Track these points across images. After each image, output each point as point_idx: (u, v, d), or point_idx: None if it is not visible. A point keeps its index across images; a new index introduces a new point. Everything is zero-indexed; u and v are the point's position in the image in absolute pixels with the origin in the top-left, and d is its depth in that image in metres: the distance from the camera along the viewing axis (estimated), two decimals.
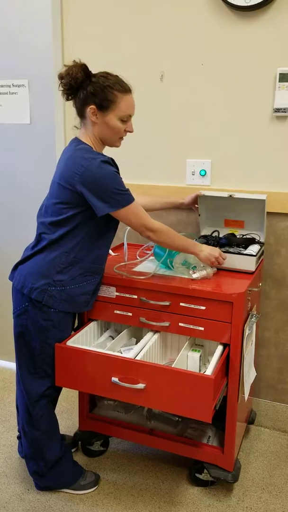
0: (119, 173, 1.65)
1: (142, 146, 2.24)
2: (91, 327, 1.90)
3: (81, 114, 1.68)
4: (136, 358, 1.64)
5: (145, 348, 1.72)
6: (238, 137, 2.08)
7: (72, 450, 2.13)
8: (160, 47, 2.13)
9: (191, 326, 1.75)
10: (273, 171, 2.06)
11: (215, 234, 2.02)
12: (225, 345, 1.74)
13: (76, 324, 1.90)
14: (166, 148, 2.21)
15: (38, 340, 1.71)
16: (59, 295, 1.68)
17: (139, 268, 1.91)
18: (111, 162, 1.64)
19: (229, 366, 1.74)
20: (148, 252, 2.09)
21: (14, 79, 2.43)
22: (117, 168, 1.70)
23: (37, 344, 1.72)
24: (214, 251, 1.79)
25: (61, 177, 1.63)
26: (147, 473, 2.02)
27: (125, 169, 2.28)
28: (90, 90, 1.61)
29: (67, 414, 2.40)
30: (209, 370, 1.59)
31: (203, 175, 2.16)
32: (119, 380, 1.60)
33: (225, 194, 1.96)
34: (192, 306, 1.73)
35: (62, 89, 1.64)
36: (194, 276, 1.80)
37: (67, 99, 1.67)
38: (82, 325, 1.90)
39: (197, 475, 1.94)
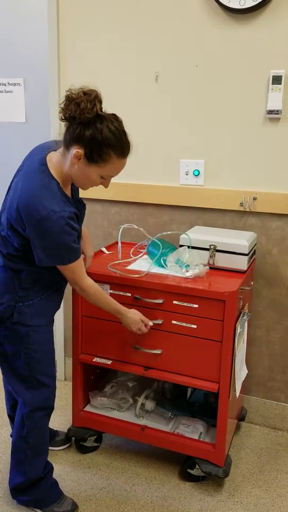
0: (77, 229, 1.51)
1: (135, 146, 2.26)
2: None
3: (66, 144, 1.46)
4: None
5: None
6: (231, 138, 2.11)
7: (65, 446, 2.15)
8: (155, 48, 2.15)
9: (184, 324, 1.78)
10: (265, 171, 2.09)
11: None
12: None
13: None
14: (160, 148, 2.23)
15: (20, 348, 1.62)
16: (28, 310, 1.60)
17: (133, 267, 1.94)
18: (72, 217, 1.47)
19: (221, 363, 1.77)
20: (142, 250, 2.12)
21: (9, 77, 2.45)
22: (77, 219, 1.54)
23: (21, 353, 1.63)
24: (136, 323, 1.75)
25: (14, 209, 1.47)
26: (140, 469, 2.05)
27: None
28: (89, 135, 1.40)
29: (61, 410, 2.42)
30: None
31: (196, 175, 2.18)
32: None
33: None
34: (185, 304, 1.76)
35: (61, 108, 1.42)
36: (187, 274, 1.82)
37: (61, 120, 1.45)
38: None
39: (189, 470, 1.97)
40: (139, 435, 1.97)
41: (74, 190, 1.66)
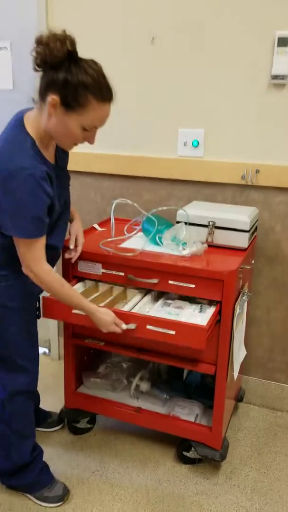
0: (50, 194, 1.37)
1: (130, 114, 2.13)
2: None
3: (41, 95, 1.33)
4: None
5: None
6: (233, 105, 1.98)
7: (58, 428, 2.10)
8: (151, 8, 1.99)
9: None
10: (269, 142, 1.96)
11: None
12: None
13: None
14: (156, 116, 2.10)
15: None
16: (6, 291, 1.49)
17: (126, 244, 1.84)
18: (45, 178, 1.34)
19: (218, 345, 1.69)
20: (136, 227, 2.01)
21: None
22: (51, 182, 1.39)
23: None
24: (107, 325, 1.54)
25: None
26: (134, 451, 2.00)
27: (111, 139, 2.18)
28: (62, 78, 1.27)
29: (53, 390, 2.36)
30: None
31: (195, 146, 2.06)
32: None
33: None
34: (182, 284, 1.67)
35: (33, 56, 1.29)
36: (184, 252, 1.72)
37: (34, 70, 1.31)
38: None
39: (185, 453, 1.92)
40: (133, 417, 1.91)
41: (59, 157, 1.52)
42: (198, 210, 1.86)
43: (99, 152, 2.21)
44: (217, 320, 1.65)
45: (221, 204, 2.00)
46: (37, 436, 2.03)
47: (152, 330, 1.52)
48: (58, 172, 1.49)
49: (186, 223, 1.83)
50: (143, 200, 2.21)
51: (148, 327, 1.52)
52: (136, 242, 1.85)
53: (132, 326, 1.55)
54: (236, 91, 1.96)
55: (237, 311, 1.69)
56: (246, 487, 1.84)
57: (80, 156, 2.24)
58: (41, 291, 1.58)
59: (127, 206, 2.20)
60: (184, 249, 1.73)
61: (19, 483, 1.73)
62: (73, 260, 1.73)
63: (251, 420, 2.21)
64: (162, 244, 1.79)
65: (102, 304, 1.65)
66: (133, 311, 1.62)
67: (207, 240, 1.83)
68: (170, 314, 1.62)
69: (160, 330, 1.50)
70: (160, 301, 1.71)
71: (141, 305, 1.67)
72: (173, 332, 1.48)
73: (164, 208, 1.86)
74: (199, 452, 1.84)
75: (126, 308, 1.64)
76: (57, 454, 1.98)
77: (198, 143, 2.05)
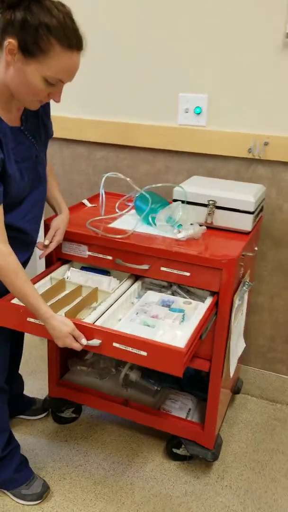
0: (3, 159, 1.19)
1: (123, 76, 1.90)
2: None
3: None
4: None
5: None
6: (241, 68, 1.74)
7: (42, 416, 1.97)
8: None
9: None
10: (280, 110, 1.74)
11: None
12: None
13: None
14: (154, 79, 1.87)
15: None
16: None
17: (117, 224, 1.65)
18: None
19: (214, 341, 1.52)
20: (130, 203, 1.82)
21: None
22: (1, 146, 1.20)
23: None
24: (63, 337, 1.27)
25: None
26: (121, 444, 1.87)
27: (104, 104, 1.97)
28: (20, 17, 1.07)
29: (40, 374, 2.22)
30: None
31: (198, 113, 1.84)
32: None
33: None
34: (175, 271, 1.49)
35: None
36: (179, 236, 1.54)
37: None
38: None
39: (175, 450, 1.78)
40: (121, 410, 1.77)
41: (27, 121, 1.30)
42: (197, 187, 1.66)
43: (92, 118, 2.00)
44: (214, 312, 1.47)
45: (224, 180, 1.79)
46: (20, 424, 1.93)
47: (119, 348, 1.25)
48: (22, 138, 1.28)
49: (183, 202, 1.63)
50: (139, 173, 2.01)
51: (115, 345, 1.25)
52: (128, 222, 1.66)
53: (95, 342, 1.27)
54: (246, 52, 1.72)
55: (236, 303, 1.51)
56: (239, 489, 1.71)
57: (72, 122, 2.03)
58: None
59: (121, 179, 2.00)
60: (179, 232, 1.55)
61: None
62: (40, 257, 1.54)
63: (248, 413, 2.07)
64: (156, 225, 1.60)
65: (69, 307, 1.43)
66: (101, 318, 1.36)
67: (206, 221, 1.64)
68: (145, 325, 1.39)
69: (129, 349, 1.23)
70: (136, 306, 1.47)
71: (114, 308, 1.44)
72: (144, 353, 1.22)
73: (159, 185, 1.66)
74: (189, 451, 1.70)
75: (94, 313, 1.38)
76: (40, 444, 1.85)
77: (200, 110, 1.83)
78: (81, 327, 1.28)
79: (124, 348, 1.25)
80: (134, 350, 1.24)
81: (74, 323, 1.28)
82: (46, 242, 1.51)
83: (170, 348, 1.20)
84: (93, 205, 1.84)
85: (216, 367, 1.56)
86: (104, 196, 1.73)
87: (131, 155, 1.99)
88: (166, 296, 1.53)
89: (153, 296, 1.54)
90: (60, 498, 1.64)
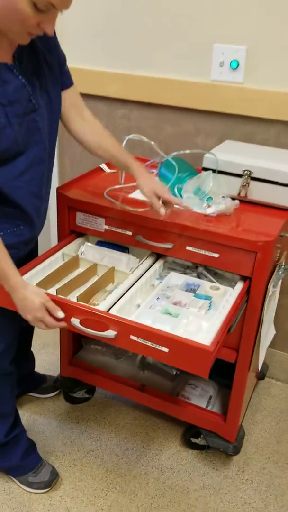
0: None
1: (151, 23, 1.66)
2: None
3: None
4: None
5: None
6: (287, 15, 1.50)
7: (53, 394, 1.86)
8: None
9: None
10: None
11: None
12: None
13: None
14: (186, 26, 1.63)
15: None
16: None
17: (138, 195, 1.46)
18: None
19: (242, 330, 1.36)
20: (153, 170, 1.62)
21: None
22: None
23: None
24: (34, 310, 1.11)
25: None
26: (136, 428, 1.75)
27: (128, 55, 1.74)
28: None
29: (53, 348, 2.10)
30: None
31: (234, 68, 1.60)
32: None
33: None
34: (202, 252, 1.31)
35: None
36: (209, 211, 1.35)
37: None
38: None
39: (193, 439, 1.66)
40: (136, 395, 1.64)
41: (21, 58, 1.10)
42: (231, 154, 1.46)
43: (114, 71, 1.78)
44: (244, 300, 1.30)
45: (262, 147, 1.58)
46: (30, 402, 1.83)
47: (137, 342, 1.09)
48: (7, 76, 1.07)
49: (214, 171, 1.43)
50: (165, 134, 1.80)
51: (133, 338, 1.09)
52: None
53: (110, 334, 1.10)
54: None
55: (270, 290, 1.34)
56: (260, 483, 1.59)
57: (92, 75, 1.81)
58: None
59: (144, 142, 1.79)
60: (209, 206, 1.36)
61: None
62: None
63: (272, 399, 1.93)
64: (182, 197, 1.41)
65: (81, 289, 1.26)
66: (117, 304, 1.20)
67: (239, 194, 1.44)
68: (166, 313, 1.22)
69: (148, 344, 1.08)
70: (157, 290, 1.30)
71: (132, 291, 1.27)
72: (165, 350, 1.07)
73: (187, 151, 1.45)
74: (209, 443, 1.57)
75: (109, 298, 1.22)
76: (50, 426, 1.75)
77: (238, 64, 1.59)
78: (93, 315, 1.13)
79: (142, 342, 1.09)
80: (154, 345, 1.08)
81: (83, 309, 1.13)
82: (162, 212, 1.23)
83: (196, 346, 1.04)
84: (112, 170, 1.65)
85: (243, 359, 1.40)
86: None
87: (156, 114, 1.78)
88: (191, 279, 1.36)
89: (176, 279, 1.37)
90: (70, 486, 1.54)
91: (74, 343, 1.74)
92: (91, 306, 1.17)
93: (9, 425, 1.46)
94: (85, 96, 1.86)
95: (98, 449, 1.67)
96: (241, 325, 1.36)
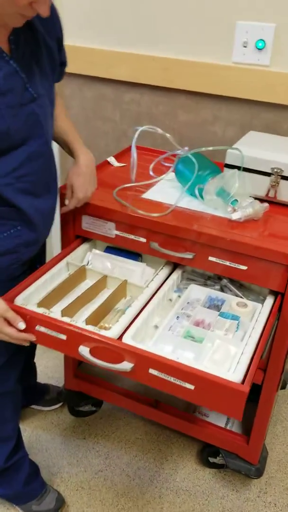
0: None
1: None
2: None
3: None
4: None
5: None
6: None
7: (57, 406, 1.72)
8: None
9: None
10: None
11: None
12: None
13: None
14: (203, 1, 1.43)
15: None
16: None
17: (152, 194, 1.30)
18: None
19: (272, 349, 1.21)
20: (169, 165, 1.45)
21: None
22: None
23: None
24: None
25: None
26: (148, 445, 1.62)
27: (137, 33, 1.55)
28: None
29: (56, 352, 1.96)
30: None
31: (260, 49, 1.41)
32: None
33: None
34: (227, 263, 1.15)
35: None
36: (235, 216, 1.18)
37: None
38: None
39: (211, 459, 1.53)
40: (149, 411, 1.50)
41: (19, 46, 0.94)
42: (258, 149, 1.28)
43: (122, 51, 1.59)
44: (276, 317, 1.15)
45: None
46: (32, 416, 1.69)
47: (157, 377, 0.94)
48: (3, 66, 0.91)
49: (238, 168, 1.26)
50: (179, 122, 1.61)
51: (152, 372, 0.94)
52: (166, 191, 1.31)
53: (126, 367, 0.95)
54: None
55: None
56: (285, 506, 1.46)
57: (97, 55, 1.62)
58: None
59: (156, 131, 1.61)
60: (234, 210, 1.19)
61: (1, 492, 1.38)
62: (61, 212, 1.25)
63: None
64: (203, 199, 1.24)
65: (89, 309, 1.12)
66: (132, 327, 1.05)
67: (267, 194, 1.28)
68: (188, 337, 1.07)
69: (171, 380, 0.93)
70: (176, 308, 1.14)
71: (149, 310, 1.11)
72: (191, 387, 0.91)
73: (210, 148, 1.26)
74: (229, 465, 1.44)
75: (122, 319, 1.06)
76: (54, 443, 1.61)
77: (264, 44, 1.40)
78: (106, 344, 0.97)
79: (164, 378, 0.94)
80: (178, 381, 0.93)
81: (94, 337, 0.97)
82: (66, 202, 1.22)
83: (227, 386, 0.89)
84: (122, 164, 1.48)
85: (271, 380, 1.26)
86: (136, 156, 1.36)
87: (170, 99, 1.59)
88: (213, 293, 1.20)
89: (197, 292, 1.21)
90: None
91: None
92: (102, 332, 1.01)
93: (10, 449, 1.32)
94: (89, 78, 1.68)
95: (107, 469, 1.54)
96: (270, 344, 1.20)
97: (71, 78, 1.68)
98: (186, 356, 1.03)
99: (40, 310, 1.05)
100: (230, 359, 1.02)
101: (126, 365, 0.96)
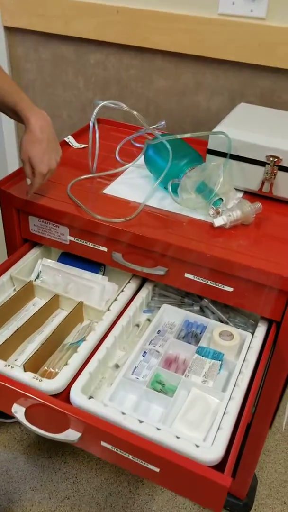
0: None
1: None
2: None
3: None
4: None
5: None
6: None
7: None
8: None
9: None
10: None
11: None
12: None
13: None
14: None
15: None
16: None
17: (116, 188, 1.03)
18: None
19: (264, 383, 0.99)
20: (138, 145, 1.18)
21: None
22: None
23: None
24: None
25: None
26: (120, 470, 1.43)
27: None
28: None
29: None
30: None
31: None
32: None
33: None
34: (208, 282, 0.91)
35: None
36: (218, 222, 0.92)
37: None
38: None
39: None
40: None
41: None
42: (249, 131, 1.01)
43: (85, 1, 1.27)
44: (270, 346, 0.92)
45: None
46: None
47: (112, 451, 0.72)
48: None
49: (224, 155, 0.99)
50: (154, 89, 1.33)
51: (105, 445, 0.72)
52: (133, 183, 1.05)
53: (72, 436, 0.73)
54: None
55: None
56: None
57: (53, 6, 1.30)
58: None
59: (126, 101, 1.33)
60: (218, 213, 0.93)
61: None
62: (28, 196, 0.98)
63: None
64: (178, 196, 0.97)
65: (33, 345, 0.89)
66: (85, 372, 0.81)
67: (261, 188, 1.01)
68: (156, 385, 0.83)
69: (129, 457, 0.71)
70: (143, 340, 0.89)
71: (109, 343, 0.87)
72: (156, 470, 0.69)
73: (187, 135, 0.99)
74: None
75: (73, 359, 0.83)
76: (15, 463, 1.42)
77: None
78: (43, 406, 0.74)
79: (119, 453, 0.72)
80: (138, 460, 0.71)
81: (27, 394, 0.74)
82: (28, 182, 0.96)
83: (201, 476, 0.66)
84: (82, 145, 1.20)
85: (261, 420, 1.04)
86: (97, 140, 1.08)
87: (143, 61, 1.30)
88: (191, 316, 0.96)
89: (171, 314, 0.97)
90: None
91: None
92: (42, 385, 0.78)
93: None
94: (45, 35, 1.37)
95: (74, 495, 1.35)
96: (261, 381, 0.98)
97: (23, 35, 1.37)
98: (153, 410, 0.80)
99: None
100: (209, 417, 0.79)
101: (71, 435, 0.74)
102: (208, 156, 1.01)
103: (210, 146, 1.01)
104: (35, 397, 0.74)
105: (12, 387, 0.75)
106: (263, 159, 0.98)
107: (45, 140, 0.91)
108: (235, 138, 0.98)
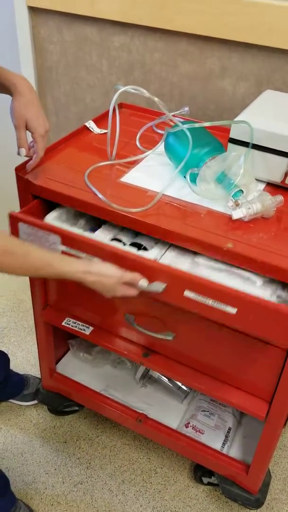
0: None
1: None
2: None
3: None
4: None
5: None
6: None
7: (35, 402, 1.53)
8: None
9: (217, 305, 0.91)
10: None
11: None
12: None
13: None
14: None
15: None
16: None
17: (135, 174, 1.01)
18: None
19: (280, 378, 0.96)
20: (161, 132, 1.15)
21: None
22: None
23: None
24: (112, 289, 0.87)
25: None
26: (135, 453, 1.43)
27: None
28: None
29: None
30: None
31: None
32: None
33: None
34: (209, 302, 0.87)
35: None
36: (236, 215, 0.89)
37: None
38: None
39: (205, 479, 1.33)
40: (133, 424, 1.29)
41: None
42: (274, 119, 0.97)
43: None
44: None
45: None
46: (9, 411, 1.54)
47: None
48: None
49: (246, 145, 0.96)
50: (179, 74, 1.29)
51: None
52: (152, 172, 1.02)
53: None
54: None
55: None
56: None
57: None
58: None
59: (149, 85, 1.30)
60: (237, 204, 0.90)
61: None
62: (29, 168, 0.99)
63: None
64: (198, 185, 0.95)
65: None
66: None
67: (284, 180, 0.98)
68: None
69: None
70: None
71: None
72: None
73: (206, 124, 0.96)
74: (225, 493, 1.24)
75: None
76: (31, 446, 1.44)
77: None
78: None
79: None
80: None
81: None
82: (23, 153, 0.94)
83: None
84: (104, 131, 1.18)
85: (277, 414, 1.01)
86: (118, 126, 1.06)
87: (167, 44, 1.26)
88: None
89: None
90: None
91: (57, 345, 1.37)
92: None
93: None
94: (68, 16, 1.34)
95: (87, 481, 1.37)
96: (277, 375, 0.95)
97: (47, 16, 1.35)
98: None
99: None
100: None
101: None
102: (230, 145, 0.97)
103: (232, 135, 0.97)
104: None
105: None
106: (286, 150, 0.94)
107: (36, 100, 0.91)
108: (258, 128, 0.94)
